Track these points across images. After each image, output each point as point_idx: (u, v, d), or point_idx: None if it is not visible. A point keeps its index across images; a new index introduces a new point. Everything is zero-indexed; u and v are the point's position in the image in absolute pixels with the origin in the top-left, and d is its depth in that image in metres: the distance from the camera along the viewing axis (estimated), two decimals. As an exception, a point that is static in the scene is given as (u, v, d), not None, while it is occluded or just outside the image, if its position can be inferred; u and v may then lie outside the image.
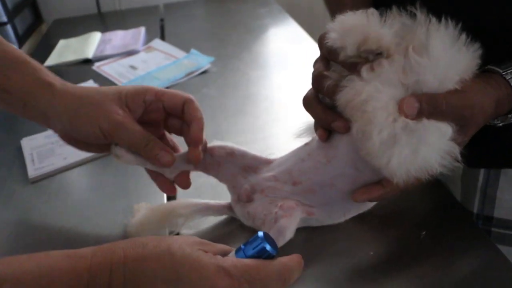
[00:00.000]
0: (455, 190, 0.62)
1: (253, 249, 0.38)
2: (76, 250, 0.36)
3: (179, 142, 0.54)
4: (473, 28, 0.41)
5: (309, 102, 0.48)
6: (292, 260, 0.39)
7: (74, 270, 0.34)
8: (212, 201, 0.54)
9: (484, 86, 0.43)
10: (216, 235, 0.52)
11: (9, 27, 1.13)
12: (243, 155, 0.53)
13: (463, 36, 0.41)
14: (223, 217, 0.54)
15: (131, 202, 0.57)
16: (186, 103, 0.51)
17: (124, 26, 1.21)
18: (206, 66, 0.92)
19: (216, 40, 1.11)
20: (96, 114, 0.48)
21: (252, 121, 0.74)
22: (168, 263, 0.35)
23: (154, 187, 0.52)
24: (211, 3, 1.42)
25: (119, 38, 1.13)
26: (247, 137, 0.69)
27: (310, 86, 0.48)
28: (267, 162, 0.53)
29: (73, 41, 1.14)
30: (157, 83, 0.88)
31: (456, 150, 0.42)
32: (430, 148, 0.41)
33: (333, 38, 0.43)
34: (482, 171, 0.59)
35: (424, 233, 0.50)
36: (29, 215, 0.58)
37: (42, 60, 1.03)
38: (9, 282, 0.32)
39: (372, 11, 0.42)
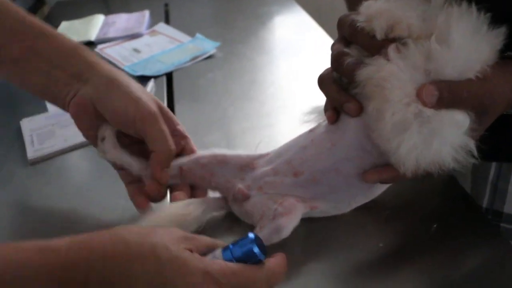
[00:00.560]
0: (464, 183, 0.61)
1: (242, 251, 0.37)
2: (49, 242, 0.33)
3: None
4: (493, 14, 0.40)
5: (323, 81, 0.47)
6: (279, 265, 0.38)
7: (45, 266, 0.31)
8: (207, 197, 0.52)
9: (504, 73, 0.41)
10: (215, 230, 0.50)
11: (10, 8, 1.10)
12: (236, 157, 0.51)
13: (485, 23, 0.40)
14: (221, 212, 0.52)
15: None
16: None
17: (128, 10, 1.19)
18: (212, 51, 0.90)
19: (222, 25, 1.09)
20: (136, 95, 0.49)
21: (258, 107, 0.72)
22: (153, 267, 0.33)
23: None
24: (216, -12, 1.40)
25: (123, 21, 1.11)
26: (253, 123, 0.67)
27: (321, 70, 0.48)
28: (263, 156, 0.51)
29: (75, 23, 1.12)
30: (161, 67, 0.86)
31: (471, 144, 0.41)
32: (444, 141, 0.40)
33: (360, 21, 0.42)
34: (493, 164, 0.57)
35: (435, 226, 0.48)
36: (27, 197, 0.57)
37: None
38: None
39: None
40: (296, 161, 0.48)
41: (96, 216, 0.52)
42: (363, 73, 0.42)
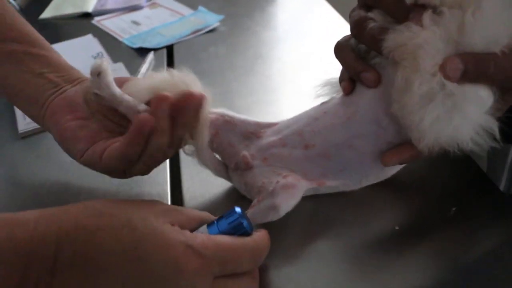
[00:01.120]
0: (480, 165, 0.58)
1: (228, 224, 0.34)
2: (16, 215, 0.30)
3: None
4: None
5: (340, 48, 0.44)
6: (263, 238, 0.35)
7: (10, 240, 0.28)
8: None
9: None
10: (216, 207, 0.47)
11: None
12: (244, 121, 0.47)
13: None
14: (220, 190, 0.49)
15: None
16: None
17: (128, -18, 1.14)
18: (215, 24, 0.86)
19: (225, -1, 1.04)
20: None
21: (264, 81, 0.68)
22: (127, 239, 0.29)
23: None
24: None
25: (121, -7, 1.06)
26: (258, 98, 0.63)
27: (329, 46, 0.45)
28: (271, 125, 0.47)
29: (72, -5, 1.07)
30: (162, 40, 0.82)
31: (494, 125, 0.38)
32: (465, 118, 0.38)
33: None
34: (512, 146, 0.54)
35: (454, 209, 0.45)
36: (17, 171, 0.54)
37: (38, 13, 0.96)
38: None
39: None
40: (307, 133, 0.44)
41: (88, 191, 0.49)
42: (392, 39, 0.39)
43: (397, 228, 0.43)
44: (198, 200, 0.48)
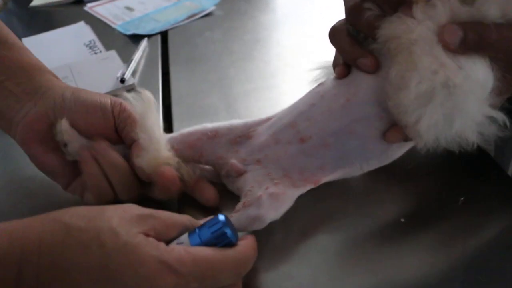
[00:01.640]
0: (487, 150, 0.56)
1: (211, 233, 0.32)
2: None
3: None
4: None
5: (336, 33, 0.42)
6: (248, 247, 0.33)
7: None
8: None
9: None
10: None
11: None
12: (230, 128, 0.44)
13: None
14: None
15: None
16: None
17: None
18: (210, 8, 0.83)
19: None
20: (104, 94, 0.45)
21: (262, 67, 0.65)
22: (96, 256, 0.27)
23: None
24: None
25: (114, -22, 1.02)
26: (256, 84, 0.61)
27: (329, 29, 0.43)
28: (262, 122, 0.45)
29: (64, -19, 1.04)
30: (156, 26, 0.79)
31: (498, 115, 0.37)
32: (467, 117, 0.37)
33: None
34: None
35: (462, 199, 0.42)
36: (8, 165, 0.53)
37: (28, 0, 0.93)
38: None
39: None
40: (302, 123, 0.42)
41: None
42: (387, 32, 0.37)
43: (402, 220, 0.41)
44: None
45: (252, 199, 0.39)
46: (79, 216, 0.29)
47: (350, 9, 0.41)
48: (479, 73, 0.36)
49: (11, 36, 0.46)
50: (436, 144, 0.38)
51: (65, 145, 0.42)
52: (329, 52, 0.46)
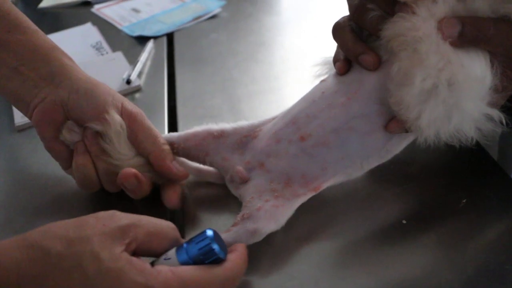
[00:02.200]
0: (490, 153, 0.56)
1: (198, 249, 0.31)
2: None
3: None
4: None
5: (339, 29, 0.42)
6: (237, 262, 0.32)
7: None
8: (205, 167, 0.46)
9: None
10: (212, 207, 0.45)
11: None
12: (236, 129, 0.44)
13: None
14: (217, 192, 0.47)
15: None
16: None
17: (128, -32, 1.11)
18: (216, 10, 0.84)
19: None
20: (119, 96, 0.45)
21: (266, 69, 0.66)
22: (79, 284, 0.27)
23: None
24: None
25: (121, -20, 1.03)
26: (260, 86, 0.62)
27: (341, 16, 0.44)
28: (267, 122, 0.45)
29: (71, -17, 1.05)
30: (162, 27, 0.80)
31: (494, 112, 0.38)
32: (464, 113, 0.37)
33: None
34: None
35: (464, 201, 0.43)
36: (14, 164, 0.54)
37: (37, 2, 0.94)
38: None
39: None
40: (302, 119, 0.42)
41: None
42: (391, 30, 0.37)
43: (404, 222, 0.41)
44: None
45: (251, 211, 0.39)
46: (57, 238, 0.28)
47: (354, 9, 0.41)
48: (477, 70, 0.36)
49: (25, 19, 0.46)
50: (437, 138, 0.38)
51: (72, 144, 0.44)
52: (333, 53, 0.46)
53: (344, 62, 0.42)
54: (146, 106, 0.61)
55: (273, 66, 0.67)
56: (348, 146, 0.41)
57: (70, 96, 0.43)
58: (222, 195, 0.45)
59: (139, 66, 0.67)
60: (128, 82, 0.63)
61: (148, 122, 0.45)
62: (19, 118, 0.59)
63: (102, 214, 0.31)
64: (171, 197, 0.43)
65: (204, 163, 0.45)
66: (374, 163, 0.43)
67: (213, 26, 0.79)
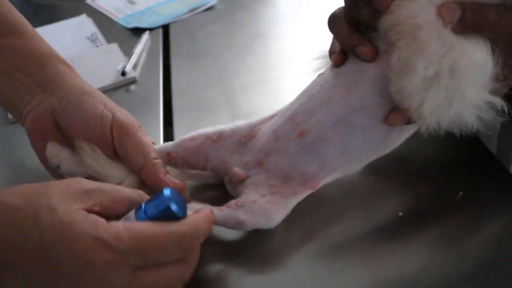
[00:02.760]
0: (489, 147, 0.55)
1: (155, 207, 0.31)
2: None
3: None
4: None
5: (335, 21, 0.42)
6: (197, 220, 0.32)
7: None
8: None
9: None
10: (208, 196, 0.45)
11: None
12: (234, 129, 0.43)
13: None
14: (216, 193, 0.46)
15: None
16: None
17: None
18: (212, 2, 0.83)
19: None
20: (111, 106, 0.43)
21: (263, 60, 0.66)
22: (32, 232, 0.28)
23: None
24: None
25: (117, -29, 1.02)
26: (257, 78, 0.61)
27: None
28: (266, 120, 0.44)
29: (66, -26, 1.04)
30: (157, 19, 0.79)
31: (496, 100, 0.37)
32: (465, 100, 0.37)
33: None
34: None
35: (461, 193, 0.42)
36: (8, 156, 0.53)
37: (31, -8, 0.93)
38: None
39: None
40: (301, 115, 0.41)
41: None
42: (389, 19, 0.37)
43: (400, 214, 0.41)
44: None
45: (246, 201, 0.39)
46: (17, 194, 0.29)
47: (349, 3, 0.41)
48: (478, 56, 0.36)
49: (22, 22, 0.45)
50: (438, 126, 0.38)
51: (58, 167, 0.42)
52: (329, 46, 0.46)
53: (340, 54, 0.42)
54: (141, 98, 0.60)
55: (269, 58, 0.66)
56: (347, 141, 0.41)
57: (61, 104, 0.42)
58: (222, 196, 0.44)
59: (134, 58, 0.66)
60: (123, 74, 0.63)
61: (140, 135, 0.42)
62: (13, 110, 0.58)
63: (69, 179, 0.32)
64: None
65: (204, 169, 0.43)
66: (372, 157, 0.42)
67: (209, 18, 0.79)
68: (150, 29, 0.75)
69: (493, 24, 0.35)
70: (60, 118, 0.42)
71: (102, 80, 0.62)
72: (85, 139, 0.42)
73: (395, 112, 0.39)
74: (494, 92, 0.37)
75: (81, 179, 0.32)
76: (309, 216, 0.42)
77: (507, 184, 0.44)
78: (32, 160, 0.50)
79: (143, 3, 0.86)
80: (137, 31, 0.75)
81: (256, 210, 0.38)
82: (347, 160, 0.41)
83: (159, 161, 0.42)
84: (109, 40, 0.73)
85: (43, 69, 0.44)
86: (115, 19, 0.81)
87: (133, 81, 0.63)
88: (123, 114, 0.43)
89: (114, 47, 0.70)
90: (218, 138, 0.43)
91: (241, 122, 0.44)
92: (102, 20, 0.81)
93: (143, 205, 0.32)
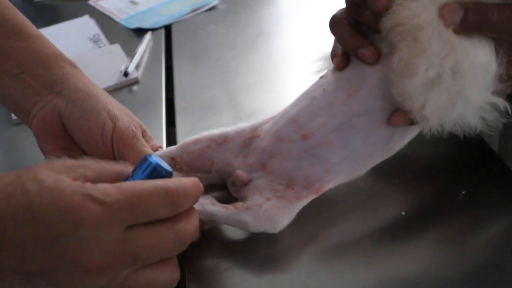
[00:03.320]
0: (491, 145, 0.55)
1: (142, 172, 0.32)
2: None
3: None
4: None
5: (336, 22, 0.41)
6: (184, 180, 0.32)
7: None
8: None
9: None
10: (212, 196, 0.44)
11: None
12: (238, 131, 0.43)
13: None
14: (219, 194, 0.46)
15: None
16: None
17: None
18: (214, 2, 0.83)
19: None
20: (114, 113, 0.42)
21: (265, 59, 0.66)
22: (20, 201, 0.28)
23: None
24: None
25: (119, -29, 1.03)
26: (259, 77, 0.61)
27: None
28: (268, 121, 0.44)
29: (69, -25, 1.04)
30: (160, 19, 0.79)
31: (499, 101, 0.37)
32: (468, 102, 0.36)
33: None
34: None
35: (463, 193, 0.42)
36: (11, 157, 0.54)
37: (34, -7, 0.93)
38: None
39: None
40: (303, 117, 0.41)
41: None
42: (390, 20, 0.36)
43: (403, 213, 0.41)
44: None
45: (253, 204, 0.38)
46: (6, 174, 0.30)
47: (350, 5, 0.41)
48: (481, 57, 0.35)
49: (26, 24, 0.45)
50: (441, 127, 0.38)
51: None
52: (331, 45, 0.45)
53: (342, 57, 0.41)
54: (143, 98, 0.61)
55: (272, 57, 0.66)
56: (351, 145, 0.41)
57: (67, 107, 0.42)
58: (225, 196, 0.44)
59: (136, 58, 0.66)
60: (126, 74, 0.63)
61: (139, 145, 0.41)
62: (17, 111, 0.59)
63: (55, 159, 0.32)
64: None
65: (209, 172, 0.43)
66: (376, 160, 0.42)
67: (211, 18, 0.79)
68: (152, 30, 0.76)
69: (496, 24, 0.35)
70: (66, 121, 0.42)
71: (104, 81, 0.62)
72: (87, 146, 0.42)
73: (397, 113, 0.39)
74: (497, 93, 0.37)
75: (66, 159, 0.33)
76: (312, 216, 0.41)
77: (510, 184, 0.44)
78: (36, 162, 0.51)
79: (145, 4, 0.86)
80: (139, 32, 0.75)
81: (262, 214, 0.38)
82: (351, 163, 0.41)
83: None
84: (111, 40, 0.74)
85: (49, 70, 0.43)
86: (117, 19, 0.81)
87: (135, 81, 0.63)
88: (124, 122, 0.42)
89: (117, 47, 0.70)
90: (223, 141, 0.42)
91: (244, 124, 0.44)
92: (105, 21, 0.81)
93: (130, 174, 0.33)
